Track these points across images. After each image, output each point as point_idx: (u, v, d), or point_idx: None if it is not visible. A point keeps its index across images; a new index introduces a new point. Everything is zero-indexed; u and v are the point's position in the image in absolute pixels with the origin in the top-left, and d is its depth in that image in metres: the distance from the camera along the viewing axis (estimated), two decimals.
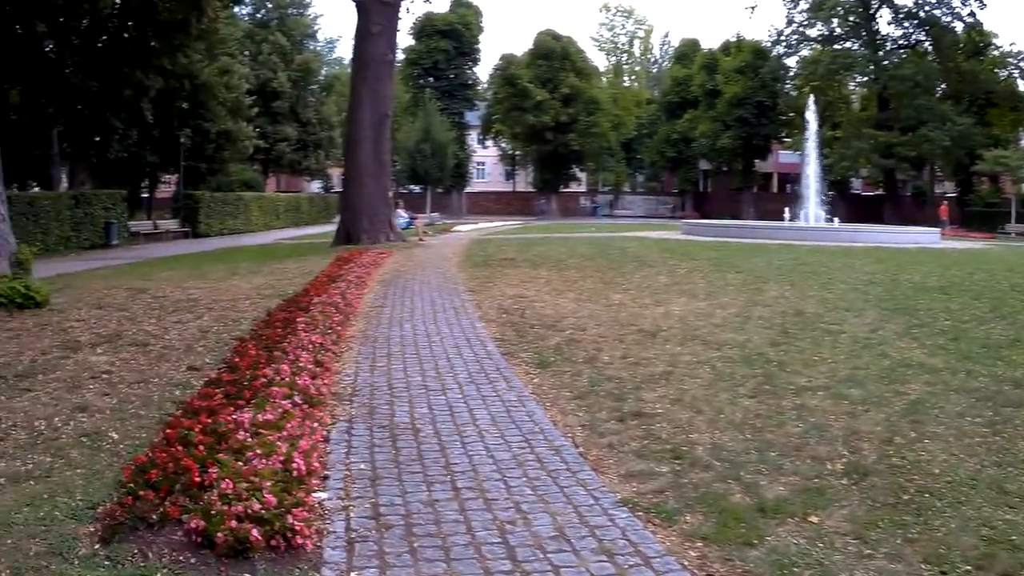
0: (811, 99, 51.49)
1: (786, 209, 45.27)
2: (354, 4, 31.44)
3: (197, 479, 5.39)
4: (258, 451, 5.77)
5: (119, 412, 7.90)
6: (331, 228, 34.32)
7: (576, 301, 14.82)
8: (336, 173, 70.67)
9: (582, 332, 11.73)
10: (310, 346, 9.39)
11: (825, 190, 49.05)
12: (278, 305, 13.57)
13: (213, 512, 4.89)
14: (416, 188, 76.53)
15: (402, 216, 42.22)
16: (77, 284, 19.65)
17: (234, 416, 6.49)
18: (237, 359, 8.93)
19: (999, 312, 14.09)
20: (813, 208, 42.98)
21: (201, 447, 5.88)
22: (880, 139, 59.08)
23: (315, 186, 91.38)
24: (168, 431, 6.39)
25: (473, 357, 10.14)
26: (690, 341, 11.08)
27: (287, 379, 7.68)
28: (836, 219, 42.85)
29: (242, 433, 6.09)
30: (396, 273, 20.04)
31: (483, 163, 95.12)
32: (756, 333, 11.74)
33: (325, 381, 8.27)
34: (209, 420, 6.43)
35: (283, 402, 6.92)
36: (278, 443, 5.95)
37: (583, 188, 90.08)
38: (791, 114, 69.10)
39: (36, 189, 40.86)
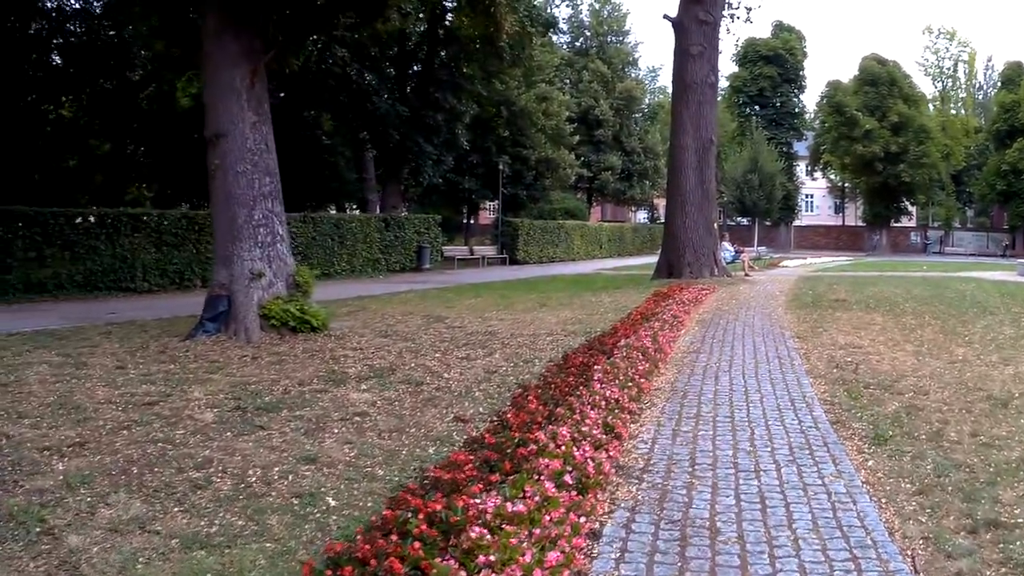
0: None
1: None
2: (671, 25, 30.32)
3: None
4: (492, 557, 4.19)
5: (352, 469, 6.62)
6: (654, 259, 33.03)
7: (915, 355, 12.67)
8: (661, 203, 69.83)
9: (924, 397, 9.64)
10: (602, 403, 7.70)
11: None
12: (579, 346, 12.10)
13: None
14: (743, 220, 74.52)
15: (728, 249, 40.47)
16: (373, 307, 19.38)
17: (477, 500, 4.90)
18: (511, 414, 7.39)
19: None
20: None
21: (419, 543, 4.34)
22: None
23: (641, 216, 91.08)
24: (388, 511, 4.88)
25: (797, 425, 8.18)
26: None
27: (563, 448, 6.03)
28: None
29: (478, 529, 4.48)
30: (717, 312, 18.36)
31: (811, 195, 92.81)
32: None
33: (611, 452, 6.55)
34: (442, 503, 4.87)
35: (547, 484, 5.25)
36: (523, 546, 4.33)
37: (912, 222, 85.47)
38: None
39: (356, 211, 42.32)
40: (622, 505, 5.72)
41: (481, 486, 5.24)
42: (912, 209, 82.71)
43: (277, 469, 6.59)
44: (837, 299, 21.69)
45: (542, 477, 5.40)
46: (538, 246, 46.29)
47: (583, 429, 6.60)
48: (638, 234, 65.53)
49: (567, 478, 5.48)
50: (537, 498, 5.00)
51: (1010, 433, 7.96)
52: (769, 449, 7.28)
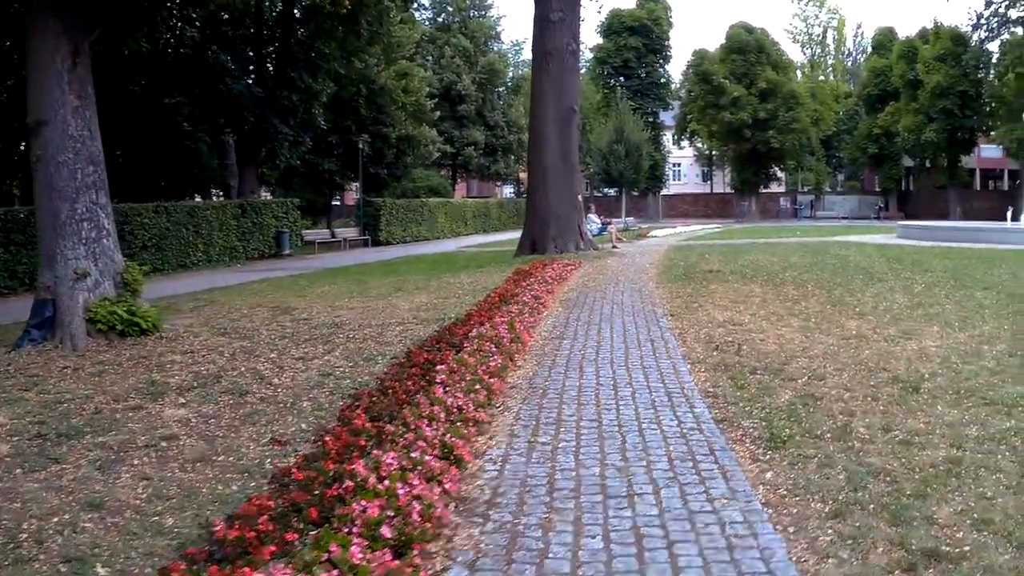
0: None
1: (1009, 209, 41.35)
2: None
3: None
4: None
5: (138, 518, 5.42)
6: (520, 234, 31.95)
7: (803, 331, 11.68)
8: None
9: (820, 382, 8.53)
10: (442, 415, 6.60)
11: None
12: (429, 338, 11.02)
13: None
14: (610, 191, 74.25)
15: (594, 221, 39.91)
16: (222, 300, 18.21)
17: (261, 574, 3.77)
18: (331, 436, 6.24)
19: None
20: None
21: None
22: None
23: (507, 191, 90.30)
24: None
25: (676, 428, 7.05)
26: (966, 399, 7.75)
27: (386, 484, 4.90)
28: None
29: None
30: (583, 290, 17.42)
31: (679, 164, 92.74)
32: None
33: (449, 484, 5.42)
34: None
35: (353, 547, 4.09)
36: None
37: (782, 188, 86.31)
38: (995, 104, 63.09)
39: (222, 198, 40.58)
40: (459, 559, 4.57)
41: (276, 547, 4.15)
42: (781, 175, 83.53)
43: (56, 520, 5.40)
44: (711, 270, 20.99)
45: (354, 530, 4.32)
46: (401, 226, 45.07)
47: (414, 456, 5.45)
48: (504, 209, 64.68)
49: (385, 530, 4.39)
50: (345, 566, 3.92)
51: (928, 425, 6.94)
52: (644, 463, 6.15)
